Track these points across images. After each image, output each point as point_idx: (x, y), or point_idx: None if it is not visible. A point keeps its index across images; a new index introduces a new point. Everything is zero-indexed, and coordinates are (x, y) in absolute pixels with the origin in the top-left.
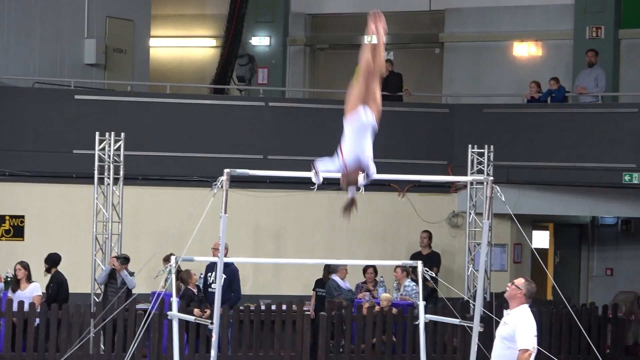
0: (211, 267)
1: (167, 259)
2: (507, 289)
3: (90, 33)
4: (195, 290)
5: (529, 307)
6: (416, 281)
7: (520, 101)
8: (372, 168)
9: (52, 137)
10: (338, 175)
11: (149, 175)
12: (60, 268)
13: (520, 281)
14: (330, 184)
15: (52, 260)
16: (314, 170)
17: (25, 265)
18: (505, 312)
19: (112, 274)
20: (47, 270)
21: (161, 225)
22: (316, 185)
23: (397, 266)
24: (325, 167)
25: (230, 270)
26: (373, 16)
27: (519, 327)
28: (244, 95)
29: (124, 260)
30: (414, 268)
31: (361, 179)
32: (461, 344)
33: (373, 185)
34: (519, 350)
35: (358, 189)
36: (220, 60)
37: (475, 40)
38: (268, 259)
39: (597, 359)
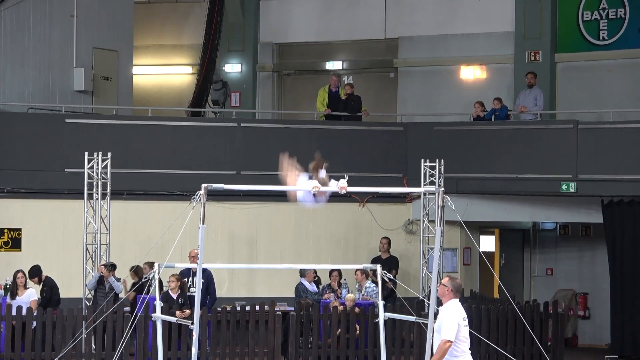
0: (186, 273)
1: (150, 265)
2: (438, 289)
3: (79, 63)
4: (175, 295)
5: (460, 300)
6: (377, 283)
7: (467, 119)
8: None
9: (45, 157)
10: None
11: (134, 190)
12: (53, 275)
13: (445, 280)
14: None
15: (35, 272)
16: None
17: (24, 273)
18: (440, 308)
19: (100, 280)
20: (39, 280)
21: (145, 236)
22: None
23: (358, 269)
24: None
25: (207, 275)
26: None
27: (443, 320)
28: (219, 117)
29: (112, 267)
30: (375, 271)
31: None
32: (417, 339)
33: (336, 197)
34: (441, 340)
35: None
36: (197, 85)
37: (426, 65)
38: (242, 265)
39: (540, 350)
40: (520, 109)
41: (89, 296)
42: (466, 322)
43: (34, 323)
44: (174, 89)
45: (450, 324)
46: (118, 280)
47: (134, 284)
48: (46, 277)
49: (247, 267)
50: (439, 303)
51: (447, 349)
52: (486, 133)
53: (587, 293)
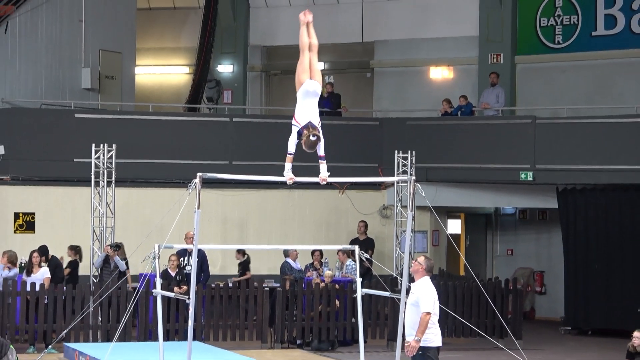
0: (182, 252)
1: (73, 249)
2: (412, 265)
3: (87, 63)
4: (174, 273)
5: (430, 278)
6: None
7: (436, 115)
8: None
9: (56, 148)
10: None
11: (136, 178)
12: (62, 255)
13: (421, 258)
14: (284, 184)
15: (43, 251)
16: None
17: (39, 253)
18: (412, 284)
19: (106, 260)
20: (45, 259)
21: (146, 219)
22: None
23: (340, 250)
24: (292, 143)
25: (201, 255)
26: (303, 13)
27: (421, 295)
28: (212, 112)
29: (116, 247)
30: (353, 251)
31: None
32: (391, 312)
33: (318, 185)
34: (422, 313)
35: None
36: (193, 84)
37: (399, 66)
38: (234, 245)
39: (501, 323)
40: (484, 105)
41: (96, 274)
42: (437, 297)
43: (46, 298)
44: (172, 87)
45: (428, 298)
46: (123, 259)
47: (70, 262)
48: (52, 256)
49: (238, 248)
50: (411, 279)
51: (428, 321)
52: (453, 127)
53: (544, 271)
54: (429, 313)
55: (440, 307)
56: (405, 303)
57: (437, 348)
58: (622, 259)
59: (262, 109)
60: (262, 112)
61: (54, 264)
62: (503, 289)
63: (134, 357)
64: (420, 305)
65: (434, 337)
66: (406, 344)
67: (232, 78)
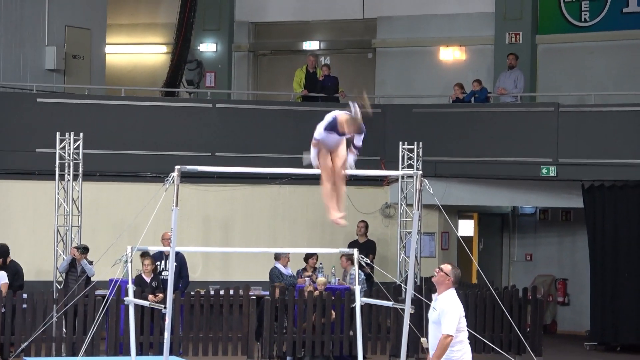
0: (158, 256)
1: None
2: (435, 274)
3: (51, 41)
4: (149, 279)
5: (455, 289)
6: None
7: (446, 101)
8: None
9: (15, 137)
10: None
11: (106, 171)
12: (23, 258)
13: (447, 268)
14: (273, 179)
15: (3, 252)
16: (312, 152)
17: None
18: (433, 296)
19: (72, 263)
20: (3, 262)
21: (118, 218)
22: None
23: (343, 255)
24: (321, 129)
25: (179, 259)
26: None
27: (444, 313)
28: (193, 97)
29: (84, 250)
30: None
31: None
32: (394, 324)
33: (311, 179)
34: (442, 335)
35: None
36: (171, 65)
37: (405, 46)
38: (216, 248)
39: (518, 337)
40: (500, 91)
41: (60, 279)
42: (463, 312)
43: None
44: (147, 68)
45: (451, 318)
46: (90, 263)
47: None
48: (11, 261)
49: (221, 251)
50: (430, 289)
51: (448, 344)
52: (465, 116)
53: (567, 279)
54: (449, 336)
55: None
56: (429, 319)
57: None
58: None
59: (249, 93)
60: (249, 97)
61: (13, 271)
62: (521, 298)
63: None
64: (442, 325)
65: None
66: None
67: (216, 59)
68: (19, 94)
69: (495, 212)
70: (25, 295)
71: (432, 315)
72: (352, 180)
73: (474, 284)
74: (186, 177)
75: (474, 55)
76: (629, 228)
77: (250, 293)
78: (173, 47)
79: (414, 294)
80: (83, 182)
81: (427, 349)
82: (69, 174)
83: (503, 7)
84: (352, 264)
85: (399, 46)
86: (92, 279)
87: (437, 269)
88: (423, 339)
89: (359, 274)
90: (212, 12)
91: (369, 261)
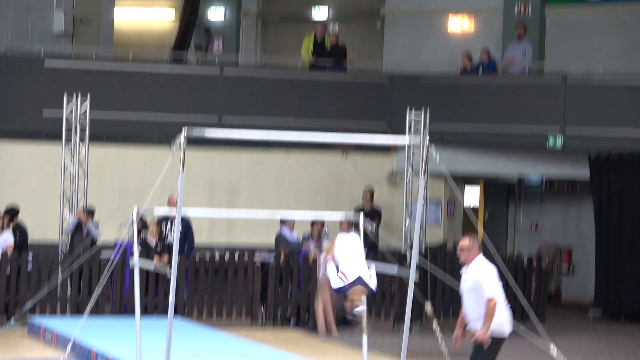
0: (164, 219)
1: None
2: (460, 256)
3: (59, 4)
4: (154, 241)
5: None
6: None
7: (454, 71)
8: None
9: (23, 100)
10: None
11: (113, 135)
12: (29, 220)
13: (465, 242)
14: (279, 145)
15: (14, 212)
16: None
17: (7, 214)
18: (463, 270)
19: (78, 226)
20: (11, 220)
21: (123, 181)
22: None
23: (343, 220)
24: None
25: (185, 223)
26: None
27: (481, 278)
28: (201, 63)
29: (89, 212)
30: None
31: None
32: (398, 291)
33: (319, 147)
34: (485, 300)
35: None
36: (179, 30)
37: (413, 15)
38: (222, 212)
39: (522, 305)
40: (509, 61)
41: (66, 242)
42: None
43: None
44: (155, 33)
45: (489, 281)
46: (96, 226)
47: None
48: (18, 223)
49: (226, 215)
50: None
51: (494, 307)
52: (473, 85)
53: (572, 248)
54: (493, 298)
55: (453, 288)
56: (461, 291)
57: (503, 339)
58: None
59: (257, 59)
60: (256, 63)
61: (22, 230)
62: (525, 267)
63: (107, 334)
64: (484, 290)
65: (503, 327)
66: (473, 336)
67: (224, 25)
68: (27, 57)
69: (501, 182)
70: (30, 257)
71: (465, 285)
72: (358, 148)
73: None
74: (193, 142)
75: (483, 25)
76: (635, 199)
77: (255, 258)
78: (181, 13)
79: (418, 262)
80: (89, 145)
81: (433, 317)
82: (75, 137)
83: None
84: (352, 228)
85: (407, 15)
86: (98, 241)
87: (459, 251)
88: (427, 304)
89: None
90: None
91: (374, 228)
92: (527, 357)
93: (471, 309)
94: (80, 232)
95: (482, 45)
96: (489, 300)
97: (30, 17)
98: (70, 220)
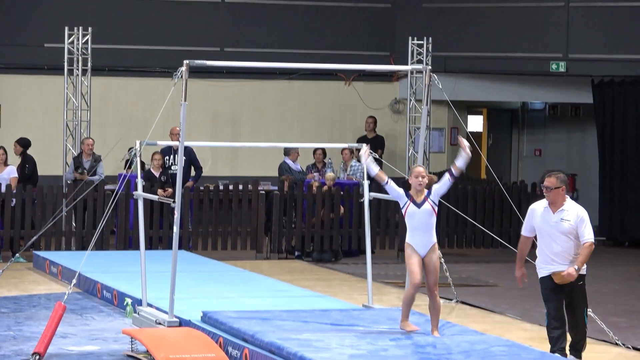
0: (167, 150)
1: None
2: (547, 194)
3: None
4: (158, 173)
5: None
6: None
7: None
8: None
9: (23, 31)
10: None
11: (115, 66)
12: (33, 153)
13: (552, 180)
14: (282, 74)
15: (25, 144)
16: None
17: (5, 150)
18: (552, 212)
19: (79, 161)
20: (21, 153)
21: (126, 113)
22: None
23: (344, 148)
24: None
25: (188, 152)
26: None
27: (581, 222)
28: None
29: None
30: (359, 150)
31: None
32: (402, 219)
33: (321, 75)
34: (586, 244)
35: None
36: None
37: None
38: (225, 143)
39: None
40: None
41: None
42: None
43: (14, 200)
44: None
45: (589, 226)
46: (97, 160)
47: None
48: (27, 153)
49: (230, 145)
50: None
51: (592, 251)
52: (475, 10)
53: (576, 174)
54: (594, 243)
55: (457, 213)
56: (554, 230)
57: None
58: None
59: None
60: None
61: (32, 162)
62: (529, 193)
63: (112, 267)
64: (585, 234)
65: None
66: (562, 273)
67: None
68: None
69: (504, 108)
70: (35, 190)
71: (558, 227)
72: (361, 76)
73: (483, 179)
74: (195, 72)
75: None
76: (638, 124)
77: (259, 188)
78: None
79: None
80: (92, 77)
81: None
82: (77, 69)
83: None
84: (354, 156)
85: None
86: (101, 173)
87: (545, 190)
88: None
89: (357, 166)
90: None
91: (377, 156)
92: (528, 283)
93: (562, 252)
94: (82, 167)
95: None
96: (590, 244)
97: None
98: (73, 152)
